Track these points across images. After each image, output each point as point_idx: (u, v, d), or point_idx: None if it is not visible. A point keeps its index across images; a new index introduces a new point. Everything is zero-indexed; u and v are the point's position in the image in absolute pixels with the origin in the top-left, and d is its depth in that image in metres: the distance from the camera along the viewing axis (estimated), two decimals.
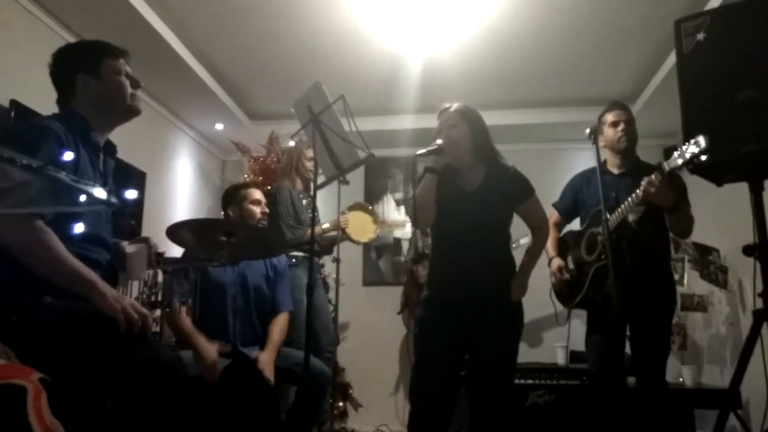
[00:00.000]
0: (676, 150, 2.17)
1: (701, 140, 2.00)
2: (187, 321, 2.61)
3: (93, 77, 1.89)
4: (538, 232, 2.47)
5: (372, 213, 3.81)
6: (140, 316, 1.65)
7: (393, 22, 3.56)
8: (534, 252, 2.43)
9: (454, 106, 2.41)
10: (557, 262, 2.89)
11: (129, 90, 1.94)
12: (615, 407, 2.65)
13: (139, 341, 1.68)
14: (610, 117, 2.80)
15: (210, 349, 2.55)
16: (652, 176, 2.39)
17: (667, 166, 2.30)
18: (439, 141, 2.29)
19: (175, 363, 1.74)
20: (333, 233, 3.51)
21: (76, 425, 1.38)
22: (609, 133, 2.78)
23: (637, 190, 2.46)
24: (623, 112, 2.80)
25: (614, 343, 2.63)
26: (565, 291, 2.89)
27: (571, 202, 2.96)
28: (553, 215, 3.02)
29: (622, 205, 2.54)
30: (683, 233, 2.70)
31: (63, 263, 1.62)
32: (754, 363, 2.01)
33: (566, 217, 3.01)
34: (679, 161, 2.16)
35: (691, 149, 2.05)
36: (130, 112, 1.96)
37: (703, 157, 2.00)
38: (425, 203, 2.29)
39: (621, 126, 2.76)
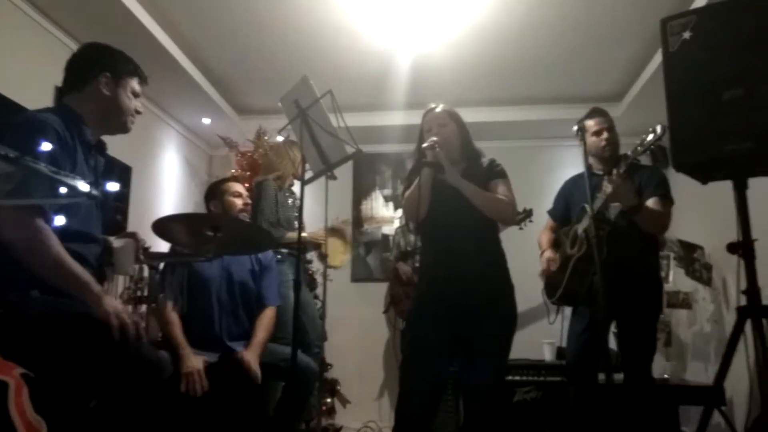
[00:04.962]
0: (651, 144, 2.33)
1: (658, 128, 2.17)
2: (177, 329, 2.57)
3: (114, 83, 1.95)
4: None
5: (344, 239, 4.12)
6: (132, 324, 1.67)
7: (383, 18, 3.54)
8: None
9: (440, 106, 2.48)
10: (548, 254, 2.96)
11: (132, 112, 2.02)
12: (590, 400, 2.72)
13: (124, 341, 1.68)
14: (592, 125, 2.85)
15: (195, 361, 2.50)
16: (613, 173, 2.50)
17: (631, 154, 2.43)
18: (434, 138, 2.33)
19: (159, 362, 1.77)
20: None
21: (58, 421, 1.37)
22: (592, 140, 2.84)
23: (605, 183, 2.55)
24: (605, 119, 2.87)
25: (593, 338, 2.68)
26: (552, 284, 2.94)
27: (563, 207, 3.04)
28: (548, 222, 3.15)
29: (597, 196, 2.59)
30: (654, 231, 2.75)
31: (62, 265, 1.64)
32: (738, 360, 2.02)
33: (561, 222, 3.07)
34: (639, 149, 2.34)
35: (649, 137, 2.23)
36: (121, 129, 2.04)
37: (660, 143, 2.21)
38: (424, 196, 2.32)
39: (604, 134, 2.83)
